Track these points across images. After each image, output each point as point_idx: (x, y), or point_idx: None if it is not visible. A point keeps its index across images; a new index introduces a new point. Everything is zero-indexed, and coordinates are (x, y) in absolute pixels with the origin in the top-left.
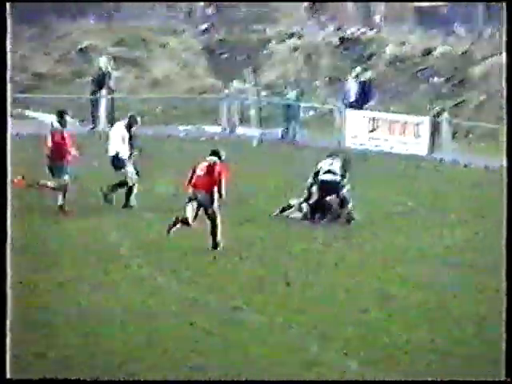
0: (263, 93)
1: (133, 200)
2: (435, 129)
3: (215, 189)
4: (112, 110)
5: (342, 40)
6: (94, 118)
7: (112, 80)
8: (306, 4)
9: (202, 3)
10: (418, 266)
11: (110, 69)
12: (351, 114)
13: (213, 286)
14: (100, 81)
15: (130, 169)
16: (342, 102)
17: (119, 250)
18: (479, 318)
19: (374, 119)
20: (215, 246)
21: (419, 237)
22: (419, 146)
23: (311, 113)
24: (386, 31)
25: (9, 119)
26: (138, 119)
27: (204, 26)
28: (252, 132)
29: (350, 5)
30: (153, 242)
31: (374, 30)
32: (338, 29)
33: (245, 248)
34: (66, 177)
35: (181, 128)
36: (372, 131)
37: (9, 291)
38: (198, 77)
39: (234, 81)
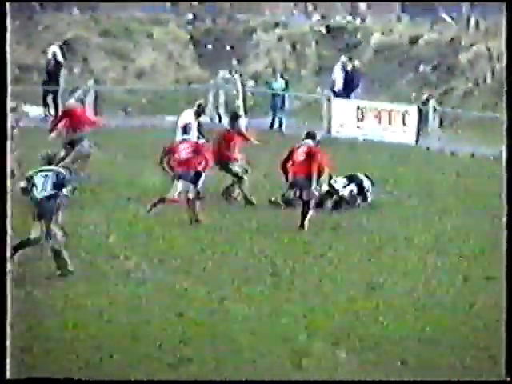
0: (250, 82)
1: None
2: (422, 117)
3: (314, 173)
4: (95, 101)
5: (328, 29)
6: (46, 107)
7: (63, 71)
8: None
9: None
10: (405, 255)
11: (61, 59)
12: (338, 103)
13: (201, 277)
14: (51, 71)
15: None
16: (330, 91)
17: (106, 241)
18: (468, 306)
19: (361, 108)
20: (302, 226)
21: (406, 225)
22: (406, 135)
23: (297, 102)
24: (372, 20)
25: (8, 120)
26: (206, 108)
27: (189, 16)
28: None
29: None
30: (140, 233)
31: (360, 19)
32: (324, 18)
33: (232, 238)
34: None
35: (168, 118)
36: (359, 120)
37: (8, 291)
38: (184, 67)
39: (220, 71)
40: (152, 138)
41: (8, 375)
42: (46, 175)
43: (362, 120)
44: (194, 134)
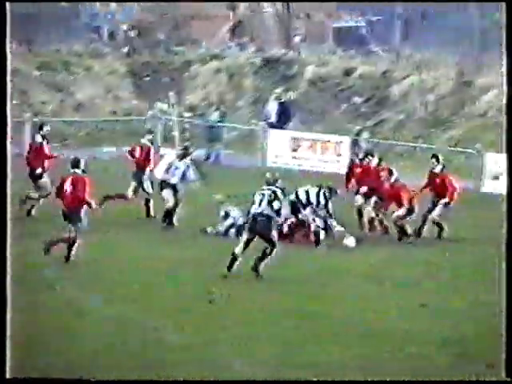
0: (186, 114)
1: (175, 220)
2: (355, 148)
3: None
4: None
5: (264, 61)
6: None
7: None
8: (227, 26)
9: (124, 26)
10: (339, 283)
11: None
12: (274, 133)
13: (136, 306)
14: None
15: (166, 193)
16: (265, 122)
17: (44, 272)
18: (402, 333)
19: (296, 139)
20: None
21: (340, 254)
22: (340, 165)
23: (234, 133)
24: (307, 52)
25: (8, 122)
26: (191, 150)
27: (127, 49)
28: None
29: (270, 26)
30: (78, 263)
31: (295, 51)
32: (259, 50)
33: (170, 267)
34: None
35: (105, 150)
36: (294, 151)
37: (9, 292)
38: (122, 99)
39: (158, 103)
40: (90, 169)
41: (8, 375)
42: (263, 194)
43: (296, 150)
44: (178, 175)
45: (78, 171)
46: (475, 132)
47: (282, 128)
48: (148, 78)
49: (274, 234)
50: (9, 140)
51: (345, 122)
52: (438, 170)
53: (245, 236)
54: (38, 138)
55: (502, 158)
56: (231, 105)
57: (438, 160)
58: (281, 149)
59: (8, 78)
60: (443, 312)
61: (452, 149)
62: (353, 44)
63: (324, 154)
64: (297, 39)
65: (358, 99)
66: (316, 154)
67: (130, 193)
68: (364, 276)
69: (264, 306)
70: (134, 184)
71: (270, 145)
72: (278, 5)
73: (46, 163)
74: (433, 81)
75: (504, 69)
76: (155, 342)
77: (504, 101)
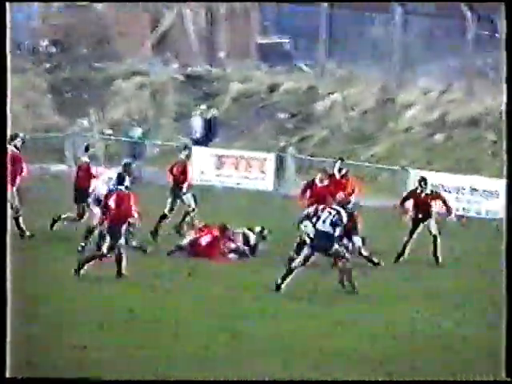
0: (108, 131)
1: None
2: (280, 164)
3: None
4: None
5: (187, 77)
6: None
7: None
8: (150, 42)
9: (45, 42)
10: (268, 300)
11: None
12: (197, 150)
13: None
14: None
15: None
16: (189, 139)
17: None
18: (318, 349)
19: (219, 156)
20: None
21: (266, 272)
22: (265, 182)
23: (157, 150)
24: (231, 68)
25: (8, 123)
26: (133, 166)
27: (48, 65)
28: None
29: (194, 42)
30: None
31: (219, 67)
32: (183, 66)
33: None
34: None
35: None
36: (218, 168)
37: (9, 292)
38: (43, 115)
39: (79, 119)
40: None
41: (8, 374)
42: (329, 212)
43: (220, 168)
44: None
45: (122, 187)
46: (399, 148)
47: (207, 144)
48: (69, 94)
49: (337, 246)
50: (9, 143)
51: (269, 138)
52: (428, 192)
53: (306, 251)
54: (85, 158)
55: (426, 174)
56: (154, 121)
57: (425, 183)
58: (205, 166)
59: (8, 78)
60: (367, 330)
61: (377, 165)
62: (277, 59)
63: (248, 171)
64: (221, 55)
65: (282, 115)
66: (240, 171)
67: (167, 210)
68: (289, 292)
69: (185, 323)
70: (170, 200)
71: (193, 162)
72: (201, 19)
73: (92, 182)
74: (356, 97)
75: (504, 72)
76: None
77: (504, 116)
